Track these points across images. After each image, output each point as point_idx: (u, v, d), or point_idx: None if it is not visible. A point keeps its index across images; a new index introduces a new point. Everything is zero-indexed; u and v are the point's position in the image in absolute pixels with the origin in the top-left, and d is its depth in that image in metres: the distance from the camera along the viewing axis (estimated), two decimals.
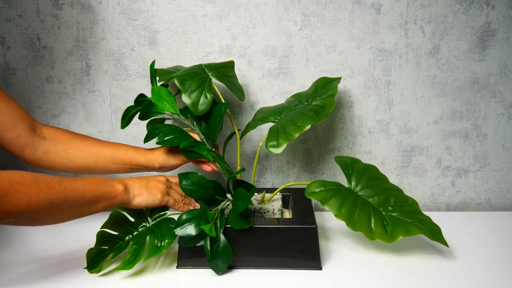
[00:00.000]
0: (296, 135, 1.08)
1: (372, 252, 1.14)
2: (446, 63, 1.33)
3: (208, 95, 1.14)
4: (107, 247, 1.06)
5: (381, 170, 1.35)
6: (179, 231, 1.03)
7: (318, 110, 1.14)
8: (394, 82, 1.34)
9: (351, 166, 1.17)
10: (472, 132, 1.37)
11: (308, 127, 1.09)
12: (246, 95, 1.35)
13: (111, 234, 1.07)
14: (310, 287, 1.02)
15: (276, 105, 1.27)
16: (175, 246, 1.11)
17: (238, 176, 1.24)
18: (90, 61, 1.33)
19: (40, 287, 1.01)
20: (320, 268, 1.07)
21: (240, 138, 1.22)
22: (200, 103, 1.13)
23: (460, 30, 1.31)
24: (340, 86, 1.33)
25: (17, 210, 0.85)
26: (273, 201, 1.23)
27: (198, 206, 1.14)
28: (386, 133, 1.37)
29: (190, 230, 1.03)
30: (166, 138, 1.11)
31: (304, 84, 1.34)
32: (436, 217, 1.16)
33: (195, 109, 1.13)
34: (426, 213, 1.15)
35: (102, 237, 1.06)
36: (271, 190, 1.27)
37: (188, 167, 1.37)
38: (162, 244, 1.04)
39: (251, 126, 1.19)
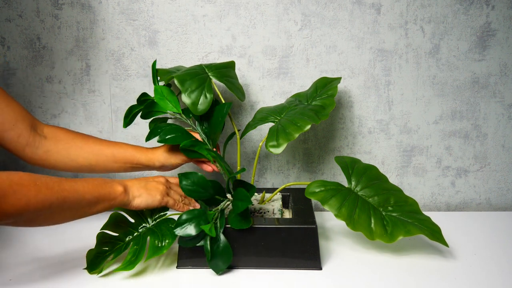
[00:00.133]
0: (296, 135, 1.08)
1: (372, 252, 1.14)
2: (446, 63, 1.33)
3: (208, 95, 1.14)
4: (107, 248, 1.06)
5: (381, 170, 1.35)
6: (179, 231, 1.03)
7: (318, 110, 1.14)
8: (394, 82, 1.34)
9: (351, 166, 1.17)
10: (472, 132, 1.37)
11: (308, 127, 1.09)
12: (246, 95, 1.35)
13: (111, 235, 1.07)
14: (310, 287, 1.02)
15: (276, 105, 1.27)
16: (175, 246, 1.11)
17: (238, 176, 1.24)
18: (90, 61, 1.33)
19: (40, 287, 1.01)
20: (320, 268, 1.07)
21: (240, 138, 1.22)
22: (199, 103, 1.13)
23: (460, 30, 1.31)
24: (340, 86, 1.33)
25: (16, 211, 0.85)
26: (273, 201, 1.23)
27: (198, 206, 1.14)
28: (386, 133, 1.37)
29: (190, 230, 1.03)
30: (167, 137, 1.12)
31: (304, 84, 1.34)
32: (436, 217, 1.16)
33: (194, 109, 1.13)
34: (426, 213, 1.15)
35: (102, 238, 1.05)
36: (271, 190, 1.27)
37: (188, 167, 1.37)
38: (163, 244, 1.04)
39: (251, 126, 1.19)
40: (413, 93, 1.35)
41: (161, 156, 1.17)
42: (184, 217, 1.04)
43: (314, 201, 1.28)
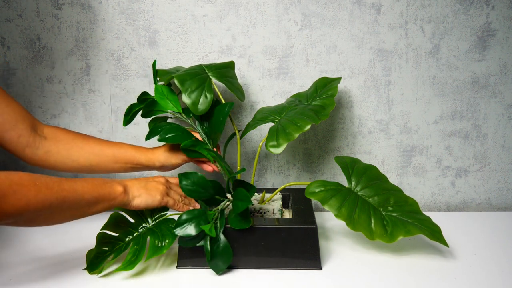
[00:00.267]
0: (296, 135, 1.08)
1: (372, 252, 1.14)
2: (446, 63, 1.33)
3: (208, 95, 1.14)
4: (107, 249, 1.06)
5: (381, 170, 1.35)
6: (179, 231, 1.03)
7: (318, 110, 1.14)
8: (394, 82, 1.34)
9: (351, 166, 1.17)
10: (472, 132, 1.37)
11: (308, 127, 1.09)
12: (246, 95, 1.35)
13: (111, 235, 1.06)
14: (310, 287, 1.02)
15: (276, 105, 1.27)
16: (175, 246, 1.11)
17: (238, 176, 1.24)
18: (90, 61, 1.33)
19: (40, 287, 1.01)
20: (320, 268, 1.07)
21: (240, 138, 1.22)
22: (200, 103, 1.13)
23: (460, 30, 1.31)
24: (340, 86, 1.33)
25: (16, 211, 0.85)
26: (273, 201, 1.23)
27: (198, 206, 1.14)
28: (386, 133, 1.37)
29: (190, 230, 1.03)
30: (167, 136, 1.12)
31: (304, 84, 1.34)
32: (436, 217, 1.16)
33: (194, 109, 1.13)
34: (426, 213, 1.15)
35: (102, 238, 1.05)
36: (271, 190, 1.27)
37: (188, 167, 1.37)
38: (163, 244, 1.04)
39: (251, 126, 1.19)
40: (413, 93, 1.35)
41: (161, 156, 1.17)
42: (184, 217, 1.04)
43: (314, 201, 1.28)
